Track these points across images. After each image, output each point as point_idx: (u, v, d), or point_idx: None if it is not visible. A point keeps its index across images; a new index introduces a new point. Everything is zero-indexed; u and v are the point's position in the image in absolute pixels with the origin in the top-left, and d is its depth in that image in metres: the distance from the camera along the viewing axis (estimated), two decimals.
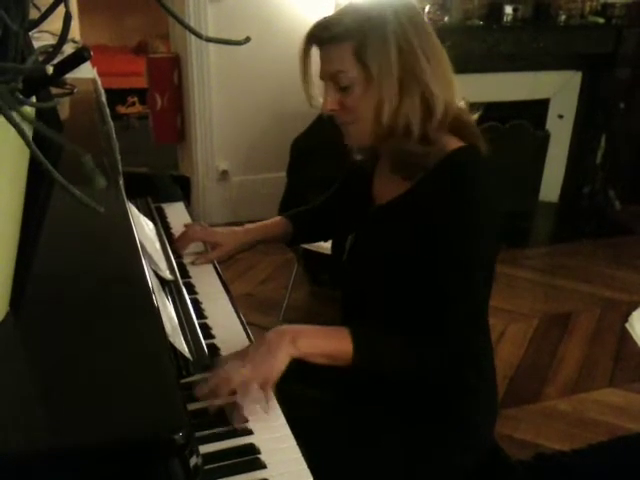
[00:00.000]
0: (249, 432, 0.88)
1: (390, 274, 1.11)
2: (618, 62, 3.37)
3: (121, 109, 5.15)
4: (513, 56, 3.22)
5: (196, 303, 1.18)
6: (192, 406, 0.89)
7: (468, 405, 1.15)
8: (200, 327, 1.04)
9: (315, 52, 1.09)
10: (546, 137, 3.40)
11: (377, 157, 1.21)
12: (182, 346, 0.92)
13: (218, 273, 1.33)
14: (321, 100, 1.11)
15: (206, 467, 0.77)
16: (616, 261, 3.14)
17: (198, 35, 0.62)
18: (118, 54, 5.47)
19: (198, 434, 0.83)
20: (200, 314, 1.15)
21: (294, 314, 2.53)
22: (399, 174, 1.11)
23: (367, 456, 1.06)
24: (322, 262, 2.38)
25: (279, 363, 0.95)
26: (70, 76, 0.74)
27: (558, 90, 3.53)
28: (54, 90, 1.28)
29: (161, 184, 1.64)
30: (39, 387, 0.60)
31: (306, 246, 2.28)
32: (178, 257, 1.33)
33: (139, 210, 1.30)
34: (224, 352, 1.05)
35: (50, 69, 0.53)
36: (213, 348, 1.05)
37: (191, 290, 1.23)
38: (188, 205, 1.65)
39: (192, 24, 2.78)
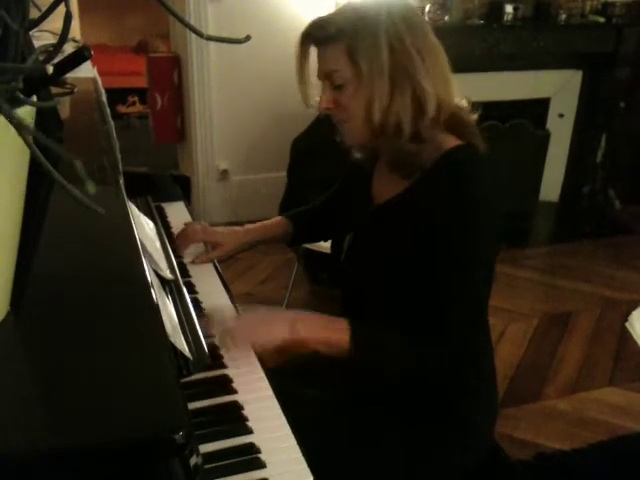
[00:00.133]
0: (249, 431, 0.88)
1: (388, 273, 1.11)
2: (618, 61, 3.37)
3: (121, 109, 5.15)
4: (513, 55, 3.22)
5: (196, 302, 1.18)
6: (192, 406, 0.89)
7: (468, 405, 1.15)
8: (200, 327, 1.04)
9: (313, 53, 1.10)
10: (546, 136, 3.40)
11: (377, 156, 1.21)
12: (182, 345, 0.92)
13: (218, 272, 1.33)
14: (317, 100, 1.12)
15: (206, 466, 0.77)
16: (616, 261, 3.14)
17: (199, 33, 0.62)
18: (118, 53, 5.47)
19: (198, 433, 0.83)
20: (200, 313, 1.15)
21: None
22: (396, 173, 1.12)
23: (367, 456, 1.06)
24: (322, 261, 2.38)
25: (271, 337, 1.01)
26: (70, 75, 0.74)
27: (558, 89, 3.53)
28: (54, 89, 1.28)
29: (161, 183, 1.64)
30: (39, 387, 0.60)
31: (307, 245, 2.28)
32: (178, 256, 1.33)
33: (139, 209, 1.30)
34: (224, 352, 1.05)
35: (50, 68, 0.53)
36: (213, 347, 1.05)
37: (191, 289, 1.23)
38: (188, 204, 1.65)
39: (192, 23, 2.78)
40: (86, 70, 1.60)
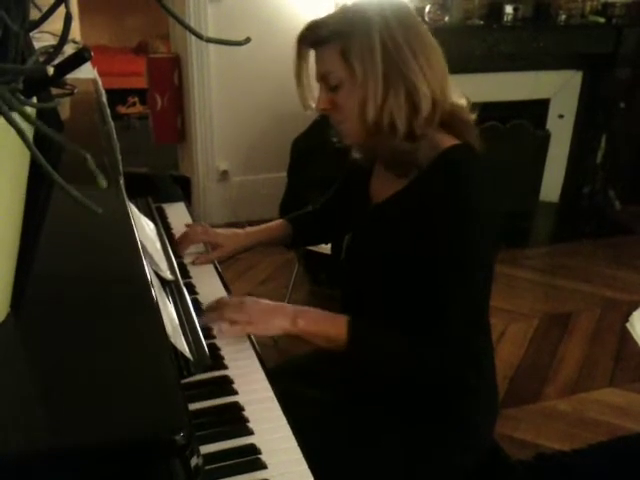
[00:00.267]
0: (250, 432, 0.88)
1: (387, 273, 1.12)
2: (618, 62, 3.37)
3: (121, 109, 5.15)
4: (513, 56, 3.22)
5: (197, 303, 1.18)
6: (193, 406, 0.89)
7: (468, 405, 1.15)
8: (201, 327, 1.04)
9: (311, 56, 1.11)
10: (546, 137, 3.40)
11: (375, 156, 1.21)
12: (183, 346, 0.92)
13: (219, 273, 1.33)
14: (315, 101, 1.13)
15: (207, 467, 0.77)
16: (616, 261, 3.14)
17: (198, 36, 0.62)
18: (118, 54, 5.47)
19: (199, 434, 0.83)
20: (201, 314, 1.15)
21: None
22: (392, 171, 1.13)
23: (367, 456, 1.06)
24: (322, 262, 2.38)
25: (271, 326, 1.04)
26: (71, 76, 0.74)
27: (558, 90, 3.53)
28: (55, 91, 1.28)
29: (161, 184, 1.64)
30: (39, 387, 0.60)
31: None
32: (179, 257, 1.33)
33: (140, 210, 1.30)
34: (225, 352, 1.05)
35: (51, 70, 0.53)
36: (214, 348, 1.05)
37: (192, 290, 1.23)
38: (188, 205, 1.65)
39: (192, 24, 2.78)
40: (86, 71, 1.60)
